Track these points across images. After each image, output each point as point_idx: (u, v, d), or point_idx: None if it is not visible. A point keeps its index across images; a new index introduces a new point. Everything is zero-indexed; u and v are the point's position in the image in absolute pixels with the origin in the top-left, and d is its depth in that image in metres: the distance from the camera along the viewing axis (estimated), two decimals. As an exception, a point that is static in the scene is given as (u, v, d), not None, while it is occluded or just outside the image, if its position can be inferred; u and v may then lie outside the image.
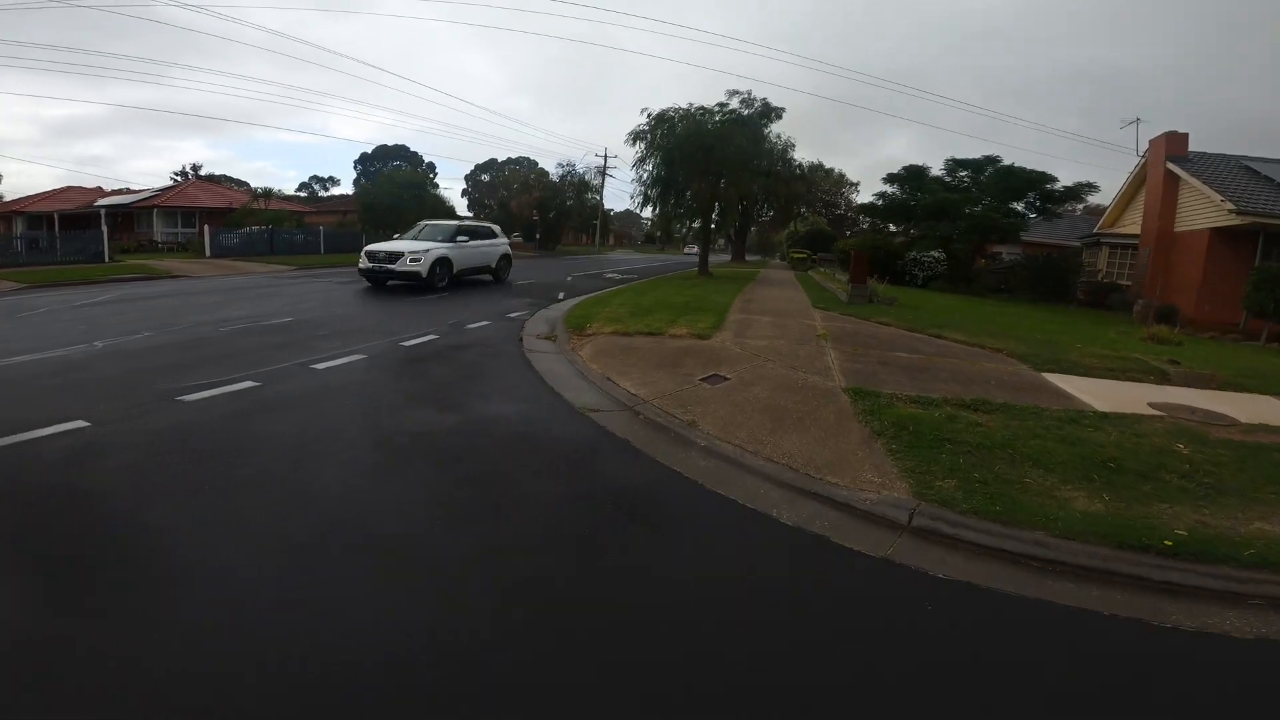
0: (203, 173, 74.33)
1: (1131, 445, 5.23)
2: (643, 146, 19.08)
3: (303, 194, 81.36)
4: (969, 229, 19.80)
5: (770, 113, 19.11)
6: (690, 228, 20.72)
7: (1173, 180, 17.88)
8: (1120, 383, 7.62)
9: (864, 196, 53.11)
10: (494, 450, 4.84)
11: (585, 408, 5.99)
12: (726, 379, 6.80)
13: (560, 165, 48.07)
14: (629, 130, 19.39)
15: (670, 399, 6.11)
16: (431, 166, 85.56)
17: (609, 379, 6.90)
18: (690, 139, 18.20)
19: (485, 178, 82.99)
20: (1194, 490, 4.35)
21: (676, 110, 19.15)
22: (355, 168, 78.32)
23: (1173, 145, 17.97)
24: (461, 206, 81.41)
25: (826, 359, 7.72)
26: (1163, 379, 7.92)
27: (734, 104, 19.34)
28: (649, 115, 19.22)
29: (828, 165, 48.16)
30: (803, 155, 44.41)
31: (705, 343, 8.44)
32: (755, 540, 3.72)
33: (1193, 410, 6.42)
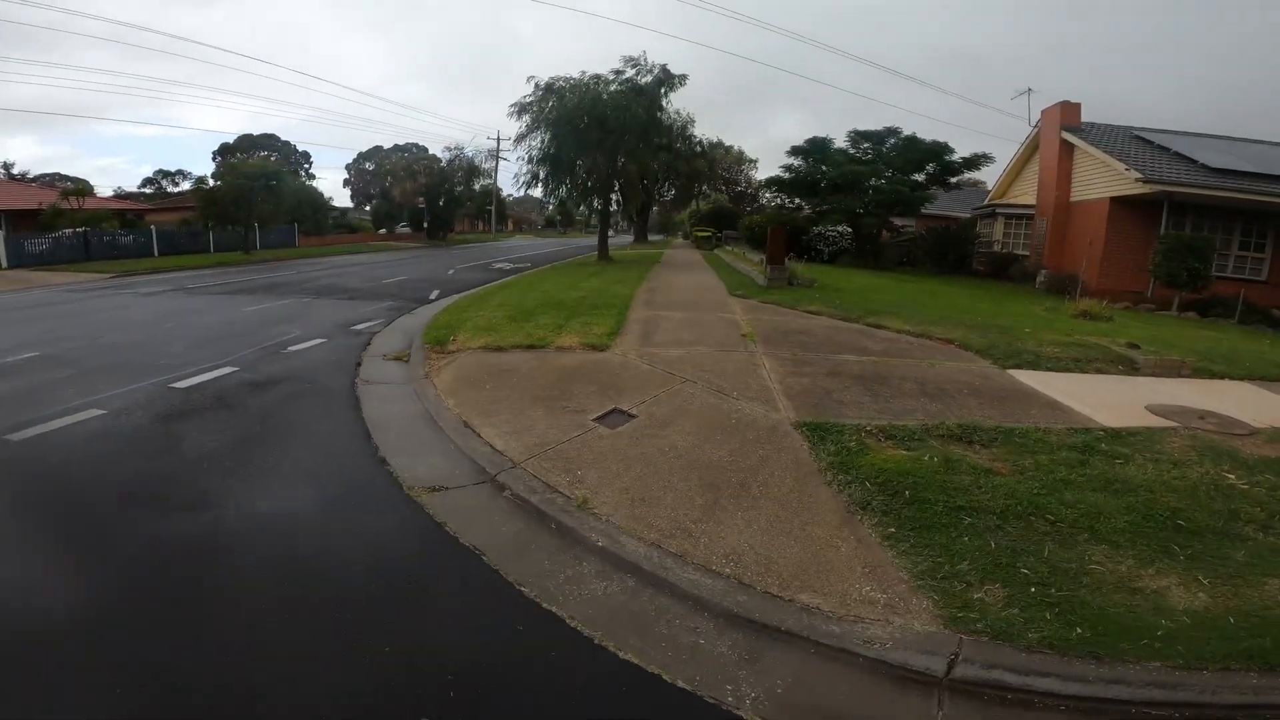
0: (16, 171, 63.22)
1: (1179, 483, 3.88)
2: (529, 120, 16.70)
3: (148, 190, 71.37)
4: (878, 202, 19.03)
5: (669, 80, 17.16)
6: (593, 209, 18.53)
7: (1067, 150, 17.78)
8: (1096, 378, 6.45)
9: (763, 174, 53.08)
10: (229, 606, 2.66)
11: (420, 486, 3.88)
12: (632, 416, 4.88)
13: (448, 149, 43.88)
14: (512, 103, 16.89)
15: (552, 458, 4.13)
16: (306, 155, 78.12)
17: (467, 425, 4.81)
18: (582, 110, 16.02)
19: (370, 166, 76.63)
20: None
21: (567, 80, 16.90)
22: (214, 159, 69.35)
23: (1067, 115, 17.85)
24: (344, 197, 74.63)
25: (761, 372, 5.98)
26: (1132, 368, 6.85)
27: (630, 71, 17.30)
28: (536, 85, 16.85)
29: (727, 143, 47.02)
30: (702, 132, 43.22)
31: (602, 356, 6.48)
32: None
33: (1201, 416, 5.25)
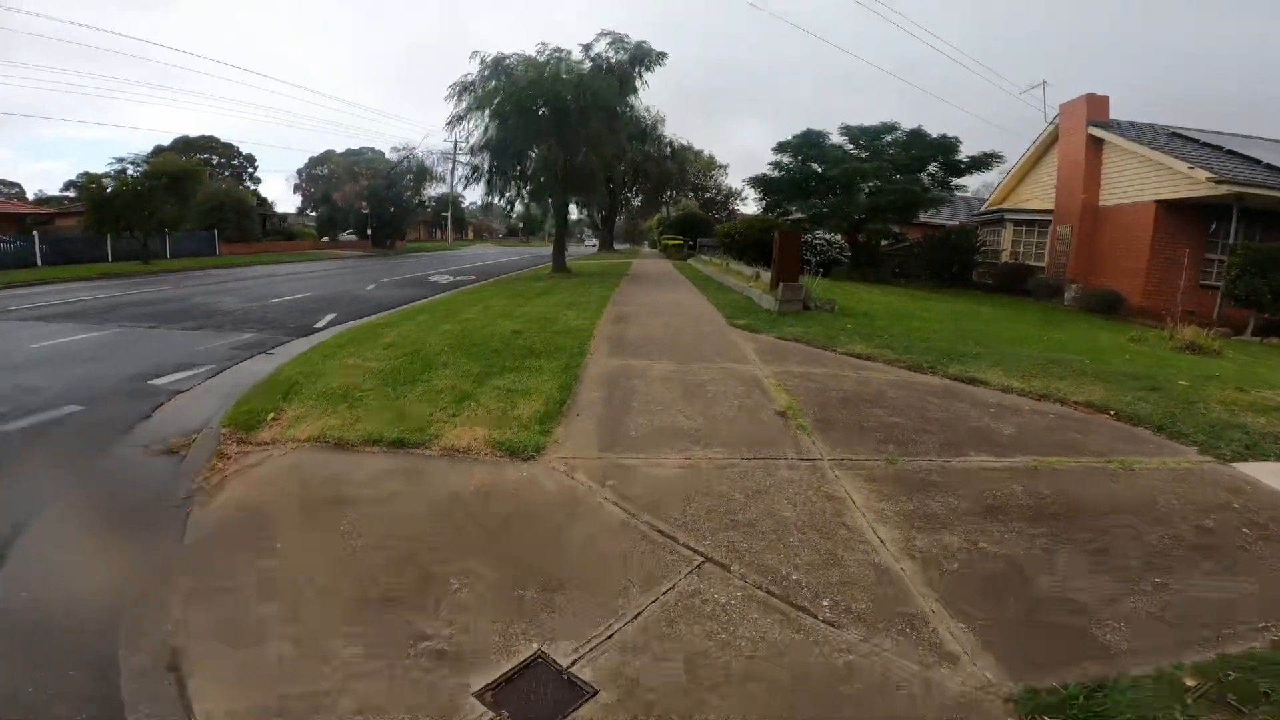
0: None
1: None
2: (469, 101, 13.45)
3: (71, 193, 65.30)
4: (882, 206, 16.30)
5: (646, 58, 13.98)
6: (546, 211, 15.18)
7: (1095, 148, 15.47)
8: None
9: (734, 182, 50.68)
10: None
11: None
12: (582, 690, 1.80)
13: (395, 150, 39.92)
14: (452, 82, 13.58)
15: None
16: (250, 158, 73.32)
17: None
18: (536, 89, 12.88)
19: (324, 170, 72.07)
20: None
21: (520, 57, 13.71)
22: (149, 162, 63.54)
23: (1094, 109, 15.54)
24: (292, 202, 69.83)
25: (852, 519, 2.97)
26: None
27: (602, 46, 14.17)
28: (483, 61, 13.51)
29: (697, 147, 44.38)
30: (673, 132, 40.41)
31: (527, 475, 3.41)
32: None
33: None
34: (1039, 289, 16.99)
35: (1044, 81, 19.60)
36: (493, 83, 13.33)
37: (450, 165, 48.27)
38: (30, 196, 51.80)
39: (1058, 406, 4.89)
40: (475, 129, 13.90)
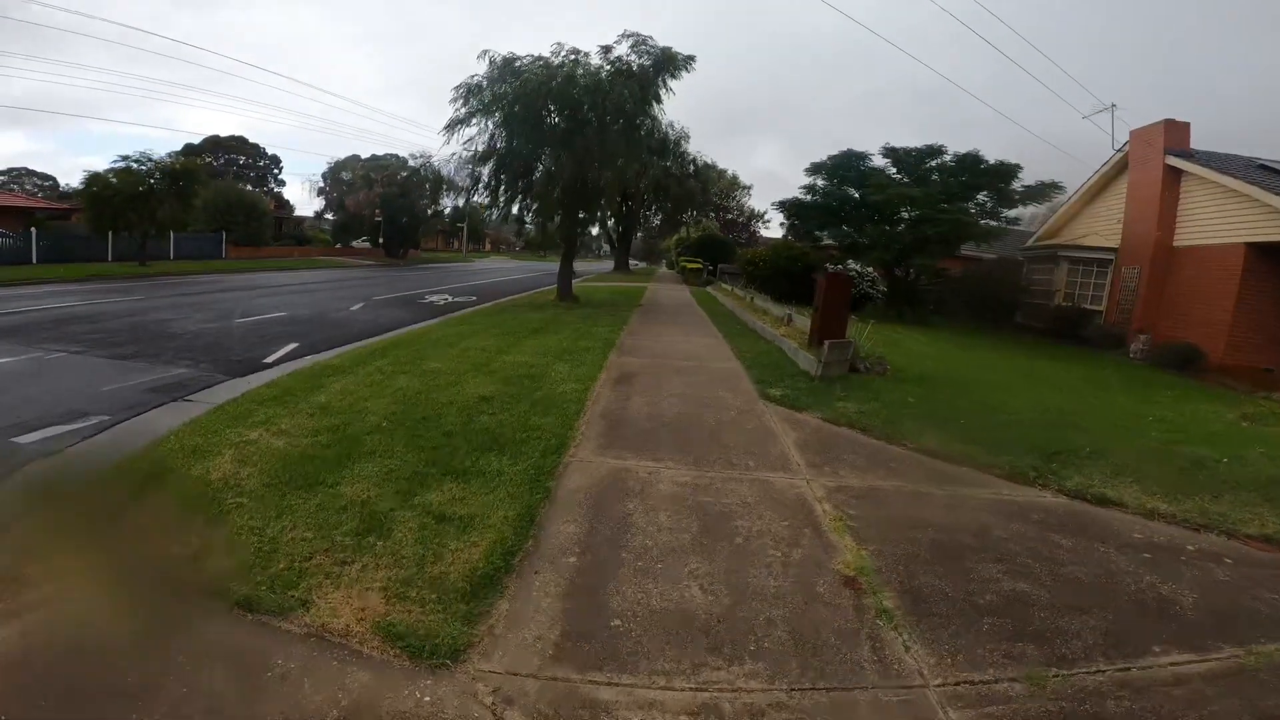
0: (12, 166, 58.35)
1: None
2: (475, 103, 12.11)
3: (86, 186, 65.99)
4: (937, 236, 14.64)
5: (670, 64, 12.38)
6: (554, 229, 13.72)
7: (1172, 180, 13.81)
8: None
9: (757, 203, 49.37)
10: None
11: None
12: None
13: (413, 156, 39.02)
14: (456, 84, 12.24)
15: None
16: (275, 160, 73.73)
17: None
18: (547, 93, 11.54)
19: (346, 175, 72.06)
20: None
21: (532, 58, 12.32)
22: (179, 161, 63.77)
23: (1172, 137, 13.89)
24: (314, 206, 69.76)
25: None
26: None
27: (623, 49, 12.61)
28: (491, 61, 12.12)
29: (720, 166, 42.93)
30: (696, 149, 39.01)
31: (422, 708, 1.92)
32: None
33: None
34: (1099, 338, 15.25)
35: (1113, 105, 17.83)
36: (502, 85, 11.97)
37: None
38: (63, 189, 52.07)
39: (1226, 542, 3.40)
40: (481, 135, 12.54)
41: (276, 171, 74.06)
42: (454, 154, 12.91)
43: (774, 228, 57.75)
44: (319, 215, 62.59)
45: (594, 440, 4.42)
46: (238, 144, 69.08)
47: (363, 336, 9.07)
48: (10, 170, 57.88)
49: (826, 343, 6.41)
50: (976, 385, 7.36)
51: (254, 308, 12.27)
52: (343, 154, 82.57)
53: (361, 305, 13.16)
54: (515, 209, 13.49)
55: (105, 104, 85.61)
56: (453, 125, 11.92)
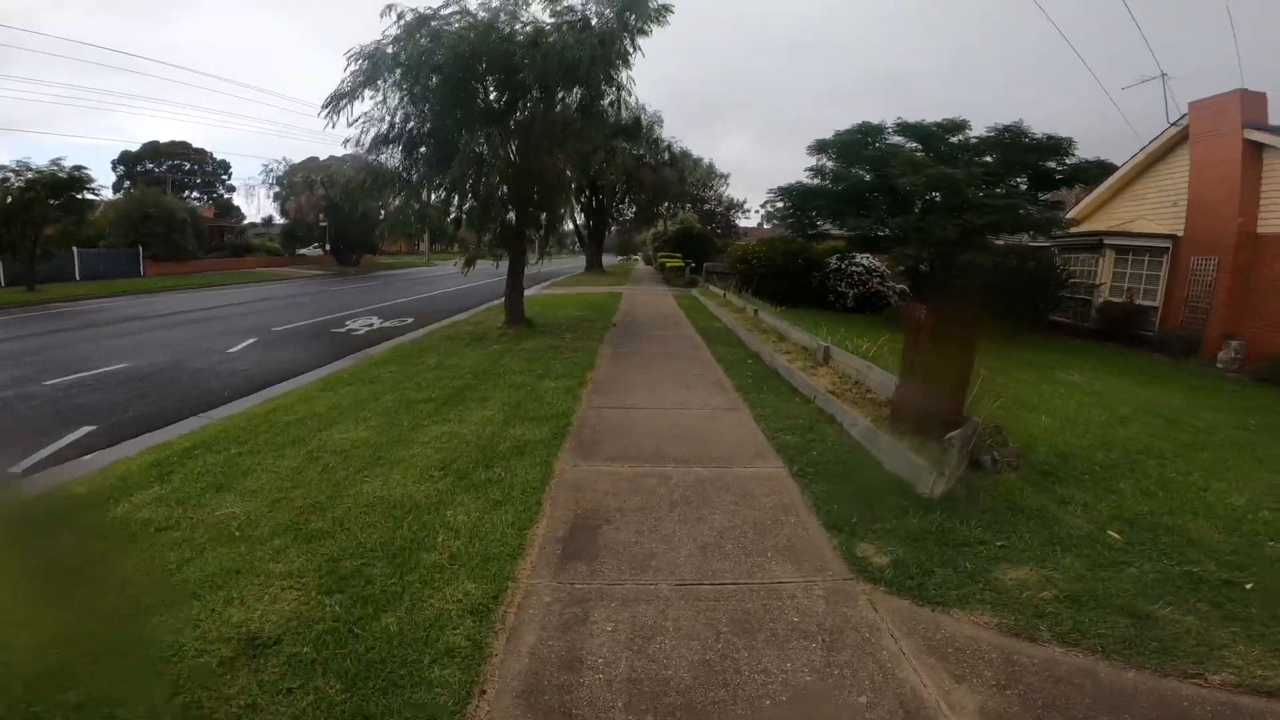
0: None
1: None
2: (371, 70, 8.79)
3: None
4: (986, 226, 11.78)
5: (638, 9, 8.81)
6: (495, 233, 10.27)
7: (1253, 157, 11.31)
8: None
9: (734, 191, 46.52)
10: None
11: None
12: None
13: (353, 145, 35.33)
14: (349, 50, 8.88)
15: None
16: (224, 165, 69.43)
17: None
18: (470, 50, 8.36)
19: (298, 178, 67.88)
20: None
21: (456, 9, 8.81)
22: (115, 170, 58.98)
23: (1250, 109, 11.43)
24: (264, 212, 65.42)
25: None
26: None
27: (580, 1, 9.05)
28: (400, 15, 8.67)
29: (695, 154, 39.88)
30: (671, 135, 35.87)
31: None
32: None
33: None
34: (1169, 342, 12.69)
35: (1163, 74, 15.29)
36: (413, 45, 8.68)
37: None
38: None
39: None
40: (383, 113, 9.27)
41: (225, 177, 69.46)
42: (348, 139, 9.73)
43: (753, 218, 54.94)
44: (267, 222, 58.16)
45: None
46: (180, 150, 64.39)
47: (206, 407, 6.02)
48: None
49: (952, 436, 3.51)
50: (1143, 459, 4.56)
51: (94, 355, 9.08)
52: (298, 158, 78.11)
53: (250, 343, 10.00)
54: (451, 212, 10.37)
55: (48, 116, 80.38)
56: (336, 101, 8.50)
